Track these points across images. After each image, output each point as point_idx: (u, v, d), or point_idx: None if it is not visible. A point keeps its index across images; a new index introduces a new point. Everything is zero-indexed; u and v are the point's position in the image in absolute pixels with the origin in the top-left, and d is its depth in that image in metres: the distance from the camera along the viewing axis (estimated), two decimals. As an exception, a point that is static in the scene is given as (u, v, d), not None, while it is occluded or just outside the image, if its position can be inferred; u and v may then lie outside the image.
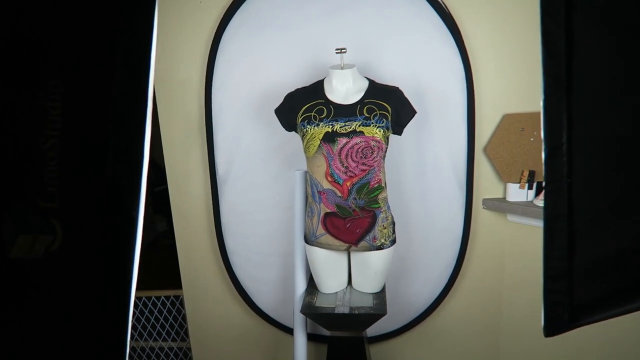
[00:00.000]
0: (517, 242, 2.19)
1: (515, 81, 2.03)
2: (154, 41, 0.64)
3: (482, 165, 2.12)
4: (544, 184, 0.82)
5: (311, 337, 2.26)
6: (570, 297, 0.83)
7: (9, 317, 0.62)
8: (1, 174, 0.63)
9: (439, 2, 1.92)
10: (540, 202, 2.02)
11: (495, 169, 2.11)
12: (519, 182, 2.08)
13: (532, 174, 2.06)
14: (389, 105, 1.78)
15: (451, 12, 1.93)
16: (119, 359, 0.66)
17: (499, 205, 2.14)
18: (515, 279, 2.23)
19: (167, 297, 2.52)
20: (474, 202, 2.13)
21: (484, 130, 2.07)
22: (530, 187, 2.08)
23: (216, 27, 2.00)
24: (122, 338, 0.66)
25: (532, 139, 2.04)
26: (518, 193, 2.10)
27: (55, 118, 0.62)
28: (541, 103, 0.81)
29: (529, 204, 2.07)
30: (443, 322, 2.33)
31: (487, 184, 2.15)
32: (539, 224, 2.07)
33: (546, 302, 0.85)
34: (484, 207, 2.18)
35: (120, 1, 0.61)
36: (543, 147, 0.81)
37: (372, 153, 1.77)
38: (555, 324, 0.85)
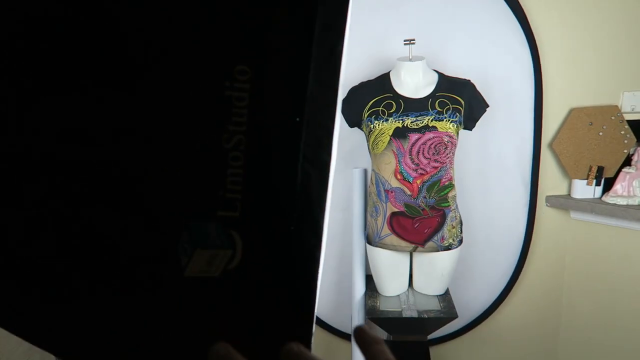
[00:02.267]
0: (581, 240, 2.10)
1: (583, 74, 1.94)
2: (348, 17, 0.55)
3: (547, 161, 2.03)
4: None
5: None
6: None
7: (177, 343, 0.53)
8: (177, 178, 0.54)
9: (507, -9, 1.83)
10: (611, 198, 1.93)
11: (562, 165, 2.02)
12: (587, 178, 2.00)
13: (600, 170, 1.97)
14: (462, 99, 1.70)
15: (520, 2, 1.84)
16: None
17: (564, 203, 2.05)
18: (577, 278, 2.15)
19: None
20: (538, 200, 2.04)
21: (551, 125, 1.99)
22: (598, 184, 1.99)
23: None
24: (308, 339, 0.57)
25: (600, 134, 1.95)
26: (585, 190, 2.01)
27: (241, 111, 0.52)
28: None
29: (597, 200, 1.99)
30: (501, 324, 2.24)
31: (550, 180, 2.07)
32: (607, 221, 1.99)
33: None
34: (547, 205, 2.09)
35: None
36: None
37: (445, 149, 1.68)
38: None
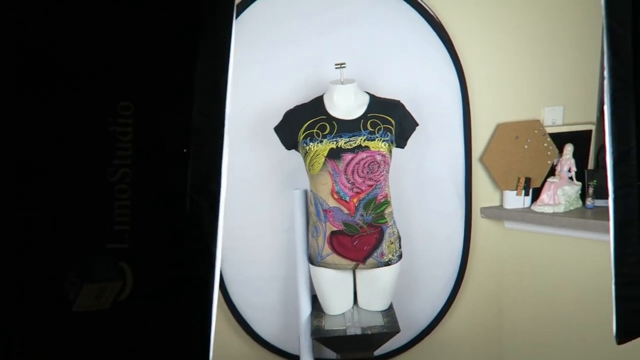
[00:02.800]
0: (516, 248, 2.20)
1: (507, 92, 2.07)
2: (231, 53, 0.58)
3: (479, 174, 2.13)
4: (610, 191, 0.81)
5: (317, 362, 2.17)
6: (646, 304, 0.81)
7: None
8: (64, 214, 0.54)
9: (432, 16, 1.94)
10: (539, 207, 2.04)
11: (492, 177, 2.12)
12: (516, 189, 2.11)
13: (527, 181, 2.09)
14: (392, 119, 1.76)
15: (444, 25, 1.95)
16: None
17: (497, 213, 2.15)
18: (514, 285, 2.24)
19: (158, 333, 2.36)
20: (473, 212, 2.13)
21: (480, 140, 2.09)
22: (527, 194, 2.11)
23: (206, 45, 1.93)
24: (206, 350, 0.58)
25: (526, 146, 2.07)
26: (515, 200, 2.12)
27: (125, 145, 0.53)
28: (606, 108, 0.79)
29: (527, 210, 2.10)
30: (447, 334, 2.30)
31: (483, 192, 2.17)
32: (537, 229, 2.10)
33: (618, 309, 0.82)
34: (482, 216, 2.19)
35: (200, 15, 0.54)
36: (609, 153, 0.79)
37: (379, 167, 1.73)
38: (628, 331, 0.83)
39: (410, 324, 2.24)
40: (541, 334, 2.22)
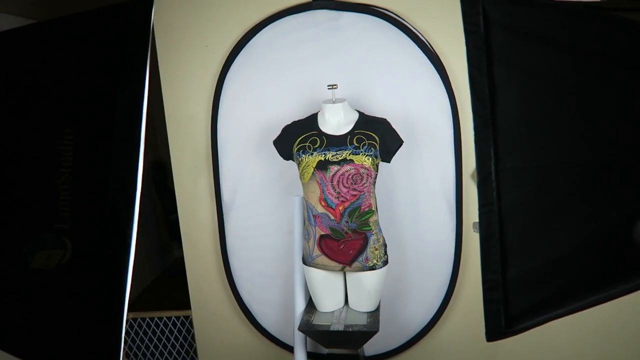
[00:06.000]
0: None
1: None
2: (145, 97, 0.81)
3: (471, 190, 2.24)
4: (477, 207, 0.96)
5: (311, 356, 2.36)
6: (506, 306, 0.95)
7: (27, 315, 0.79)
8: (24, 203, 0.81)
9: (423, 41, 2.09)
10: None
11: (483, 194, 2.22)
12: (506, 206, 2.19)
13: (518, 198, 2.16)
14: (376, 135, 1.94)
15: (435, 50, 2.09)
16: (115, 353, 0.80)
17: (489, 228, 2.24)
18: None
19: (178, 318, 2.67)
20: (464, 226, 2.24)
21: (471, 157, 2.18)
22: (517, 211, 2.18)
23: (221, 67, 2.21)
24: (118, 335, 0.81)
25: (517, 165, 2.15)
26: (506, 216, 2.20)
27: (67, 158, 0.79)
28: (472, 139, 0.95)
29: (517, 226, 2.17)
30: (440, 341, 2.41)
31: (476, 208, 2.26)
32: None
33: (486, 310, 0.97)
34: (474, 230, 2.28)
35: (117, 68, 0.79)
36: (476, 175, 0.95)
37: (362, 179, 1.91)
38: (494, 331, 0.97)
39: (403, 328, 2.38)
40: (535, 345, 2.28)
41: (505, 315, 0.95)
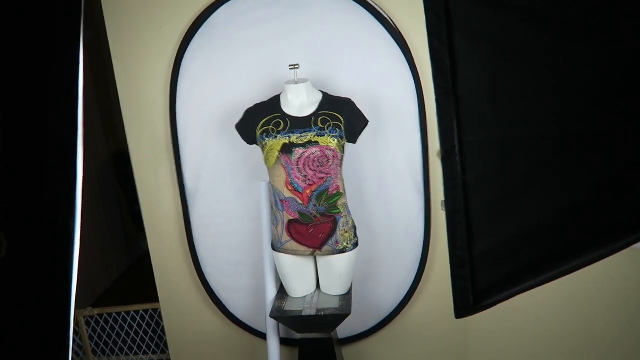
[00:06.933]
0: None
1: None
2: (80, 82, 0.74)
3: (438, 168, 2.23)
4: (443, 183, 0.93)
5: (284, 342, 2.34)
6: (474, 282, 0.93)
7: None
8: None
9: (387, 19, 2.05)
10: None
11: (450, 172, 2.22)
12: (473, 183, 2.20)
13: (484, 175, 2.17)
14: (341, 116, 1.90)
15: (399, 28, 2.06)
16: (63, 354, 0.75)
17: (457, 206, 2.25)
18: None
19: (146, 311, 2.59)
20: (432, 204, 2.24)
21: (437, 136, 2.18)
22: (483, 187, 2.19)
23: (177, 49, 2.11)
24: (65, 335, 0.75)
25: (482, 142, 2.16)
26: (473, 193, 2.21)
27: (-4, 146, 0.71)
28: (435, 111, 0.92)
29: (484, 203, 2.18)
30: (412, 322, 2.42)
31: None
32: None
33: (454, 287, 0.95)
34: (442, 209, 2.28)
35: (48, 45, 0.71)
36: (440, 149, 0.92)
37: (328, 161, 1.87)
38: (463, 307, 0.96)
39: (375, 310, 2.38)
40: (507, 319, 2.32)
41: (473, 291, 0.94)
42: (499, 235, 0.92)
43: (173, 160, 2.23)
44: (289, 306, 2.07)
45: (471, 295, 0.94)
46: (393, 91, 2.13)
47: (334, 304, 2.06)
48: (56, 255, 0.75)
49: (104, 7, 2.12)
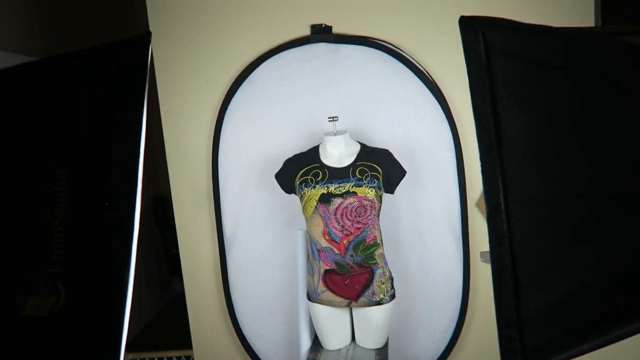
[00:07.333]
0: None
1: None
2: (142, 137, 0.79)
3: (477, 219, 2.20)
4: (488, 240, 0.92)
5: (318, 396, 2.27)
6: (522, 343, 0.90)
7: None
8: (16, 244, 0.78)
9: (422, 70, 2.10)
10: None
11: (489, 223, 2.18)
12: (514, 235, 2.14)
13: (525, 226, 2.12)
14: (379, 167, 1.92)
15: (434, 78, 2.10)
16: None
17: (497, 258, 2.19)
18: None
19: (179, 358, 2.58)
20: (471, 255, 2.19)
21: (475, 185, 2.17)
22: (525, 239, 2.13)
23: (221, 102, 2.21)
24: None
25: (522, 193, 2.12)
26: (514, 245, 2.15)
27: (63, 199, 0.76)
28: (475, 166, 0.92)
29: (525, 255, 2.12)
30: (451, 377, 2.32)
31: (484, 237, 2.22)
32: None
33: (502, 349, 0.92)
34: (482, 260, 2.23)
35: (114, 107, 0.77)
36: (485, 207, 0.91)
37: (366, 212, 1.88)
38: (513, 370, 0.92)
39: (413, 363, 2.29)
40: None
41: (522, 354, 0.90)
42: (548, 295, 0.89)
43: (213, 208, 2.29)
44: (324, 359, 2.02)
45: (520, 357, 0.91)
46: (429, 141, 2.15)
47: (370, 358, 2.00)
48: (110, 309, 0.77)
49: (155, 61, 2.26)
